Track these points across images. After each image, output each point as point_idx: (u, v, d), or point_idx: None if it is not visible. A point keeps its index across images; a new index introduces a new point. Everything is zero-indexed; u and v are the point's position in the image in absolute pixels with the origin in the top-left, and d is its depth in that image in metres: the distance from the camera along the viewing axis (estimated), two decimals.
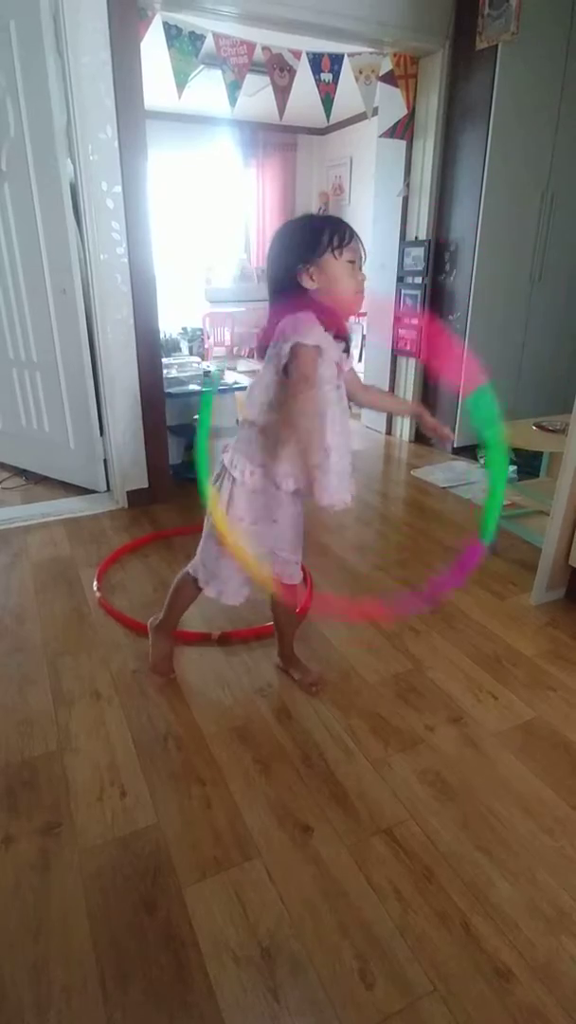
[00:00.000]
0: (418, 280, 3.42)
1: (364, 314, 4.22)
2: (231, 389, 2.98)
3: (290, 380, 1.16)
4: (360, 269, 1.20)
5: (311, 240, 1.15)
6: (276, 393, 1.22)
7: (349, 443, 1.33)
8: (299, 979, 0.96)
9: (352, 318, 5.04)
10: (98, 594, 2.02)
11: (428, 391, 3.63)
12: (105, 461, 2.80)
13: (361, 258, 1.19)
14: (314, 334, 1.15)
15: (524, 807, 1.27)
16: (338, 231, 1.15)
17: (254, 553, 1.39)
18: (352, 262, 1.17)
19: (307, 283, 1.16)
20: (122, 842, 1.19)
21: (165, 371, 2.86)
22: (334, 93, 2.98)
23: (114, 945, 1.01)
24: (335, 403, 1.27)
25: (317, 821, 1.23)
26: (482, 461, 3.34)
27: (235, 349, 5.78)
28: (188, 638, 1.80)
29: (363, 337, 4.24)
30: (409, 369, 3.64)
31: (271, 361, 1.20)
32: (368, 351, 4.00)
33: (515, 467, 2.98)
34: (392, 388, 3.78)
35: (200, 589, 1.46)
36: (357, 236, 1.19)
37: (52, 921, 1.05)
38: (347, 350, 1.29)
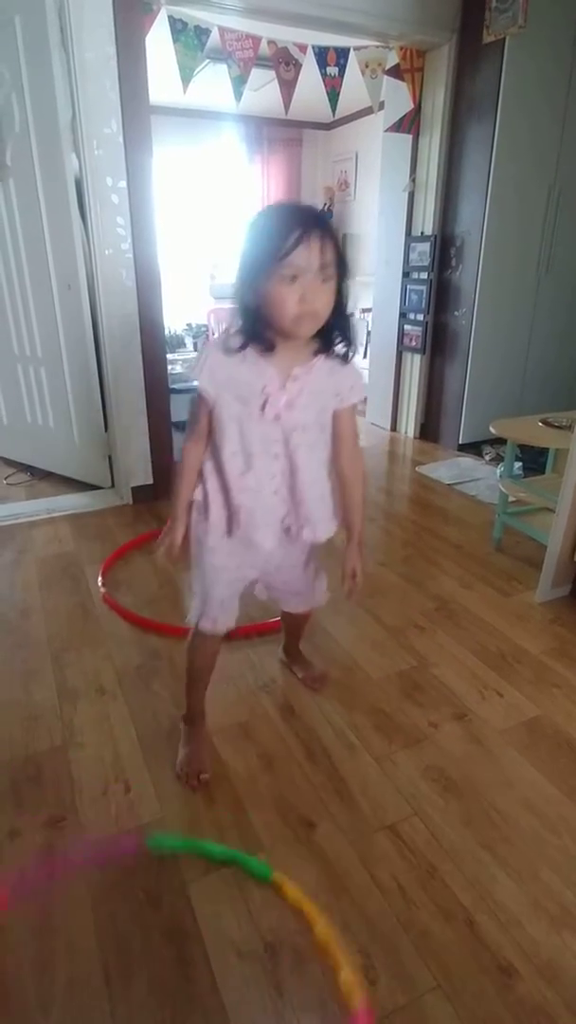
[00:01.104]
0: (424, 276, 3.40)
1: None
2: None
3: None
4: (324, 280, 0.97)
5: (250, 254, 0.98)
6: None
7: (278, 482, 1.14)
8: (302, 974, 0.96)
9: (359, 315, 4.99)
10: (102, 590, 2.03)
11: (433, 387, 3.62)
12: (110, 457, 2.80)
13: (319, 265, 0.95)
14: (202, 372, 1.05)
15: (528, 804, 1.27)
16: (275, 241, 0.93)
17: (237, 570, 1.25)
18: (294, 277, 0.94)
19: (248, 300, 1.01)
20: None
21: (170, 367, 2.86)
22: (340, 87, 2.96)
23: (118, 940, 1.01)
24: (256, 441, 1.09)
25: (320, 817, 1.23)
26: (488, 458, 3.33)
27: None
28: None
29: (368, 333, 4.23)
30: (415, 366, 3.62)
31: None
32: (373, 347, 3.99)
33: (520, 463, 2.96)
34: (397, 384, 3.77)
35: (209, 639, 1.32)
36: (310, 235, 0.93)
37: (56, 915, 1.05)
38: (347, 353, 1.10)
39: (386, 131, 3.36)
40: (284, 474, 1.14)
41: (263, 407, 1.07)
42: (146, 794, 1.28)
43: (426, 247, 3.35)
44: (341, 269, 0.99)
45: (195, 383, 1.08)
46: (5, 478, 3.01)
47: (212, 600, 1.27)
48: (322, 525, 1.21)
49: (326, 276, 0.97)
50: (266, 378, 1.06)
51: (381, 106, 3.18)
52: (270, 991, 0.94)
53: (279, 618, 1.65)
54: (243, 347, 1.04)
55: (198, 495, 1.18)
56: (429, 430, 3.70)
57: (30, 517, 2.60)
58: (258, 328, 1.03)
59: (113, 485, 2.84)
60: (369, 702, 1.55)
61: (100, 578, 2.09)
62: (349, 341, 1.10)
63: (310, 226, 0.94)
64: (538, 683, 1.63)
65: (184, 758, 1.36)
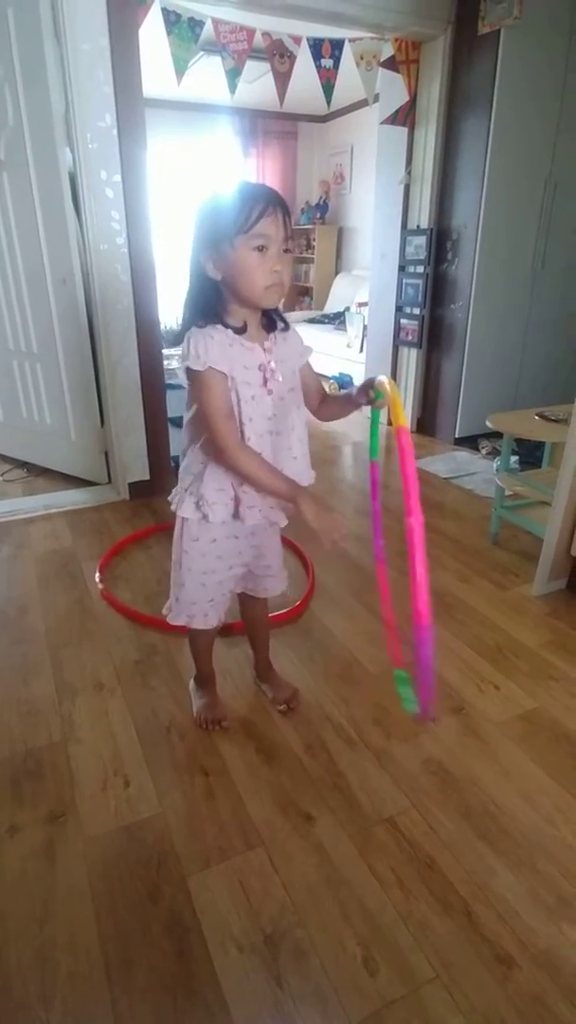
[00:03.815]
0: (420, 269, 3.39)
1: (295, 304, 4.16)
2: None
3: (201, 416, 1.08)
4: (285, 251, 1.00)
5: (211, 223, 0.99)
6: (193, 412, 1.15)
7: (287, 456, 1.19)
8: (302, 966, 0.97)
9: (355, 309, 4.97)
10: (100, 586, 2.03)
11: (429, 381, 3.61)
12: (106, 453, 2.79)
13: (283, 237, 0.99)
14: (209, 352, 1.01)
15: (525, 796, 1.28)
16: (241, 210, 0.96)
17: (228, 569, 1.31)
18: (261, 248, 0.98)
19: (212, 273, 1.02)
20: (126, 831, 1.19)
21: (166, 362, 2.85)
22: (335, 79, 2.95)
23: (119, 933, 1.02)
24: (257, 417, 1.11)
25: (319, 810, 1.24)
26: (484, 452, 3.33)
27: None
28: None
29: (364, 327, 4.22)
30: (411, 360, 3.62)
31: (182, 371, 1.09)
32: (370, 341, 3.99)
33: (517, 457, 2.97)
34: (393, 379, 3.76)
35: (207, 629, 1.37)
36: (275, 208, 0.97)
37: (57, 909, 1.06)
38: (282, 328, 1.13)
39: (382, 124, 3.34)
40: (281, 447, 1.17)
41: (264, 383, 1.09)
42: (145, 789, 1.29)
43: (422, 240, 3.34)
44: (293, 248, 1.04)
45: (197, 370, 1.03)
46: (2, 474, 3.00)
47: (202, 603, 1.32)
48: (306, 476, 1.24)
49: (287, 248, 1.01)
50: (259, 355, 1.08)
51: (376, 98, 3.17)
52: (270, 983, 0.95)
53: (246, 624, 1.56)
54: (240, 330, 1.05)
55: (192, 499, 1.18)
56: (425, 424, 3.70)
57: (27, 513, 2.60)
58: (222, 306, 1.04)
59: (110, 481, 2.84)
60: (367, 696, 1.56)
61: (98, 574, 2.09)
62: (285, 323, 1.15)
63: (273, 200, 0.98)
64: (535, 676, 1.64)
65: (202, 707, 1.47)
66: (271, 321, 1.12)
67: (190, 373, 1.06)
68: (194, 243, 1.03)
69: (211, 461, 1.14)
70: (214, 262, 1.01)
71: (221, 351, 1.03)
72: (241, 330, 1.06)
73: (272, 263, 0.99)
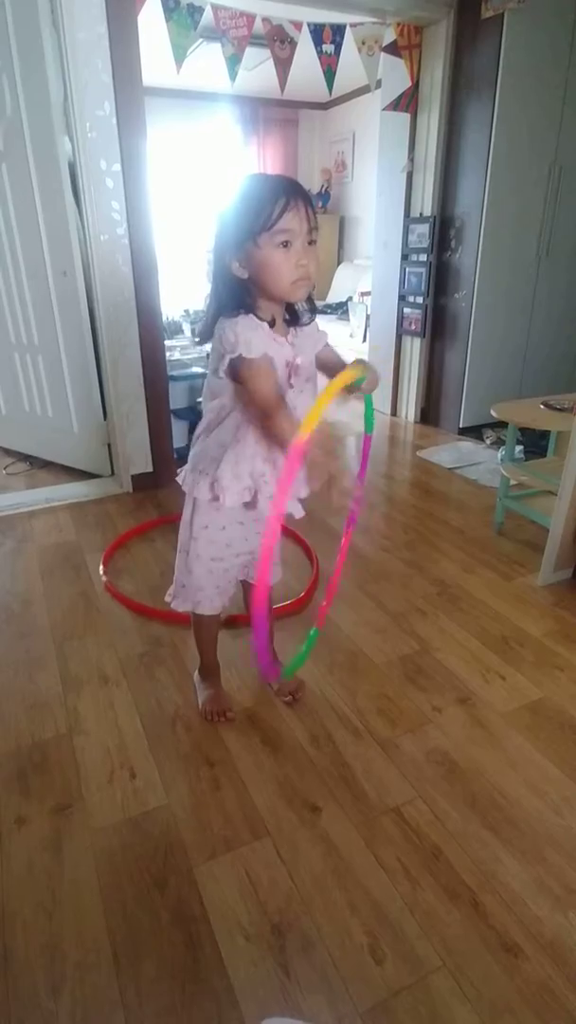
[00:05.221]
0: (423, 258, 3.36)
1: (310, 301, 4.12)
2: None
3: (252, 403, 1.07)
4: (310, 243, 1.00)
5: (234, 224, 0.99)
6: (223, 398, 1.14)
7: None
8: (309, 955, 0.97)
9: (358, 297, 4.95)
10: (104, 578, 2.03)
11: (433, 371, 3.59)
12: (109, 445, 2.79)
13: (307, 229, 0.98)
14: (256, 342, 1.02)
15: (531, 786, 1.28)
16: (263, 207, 0.95)
17: (235, 556, 1.33)
18: (286, 244, 0.97)
19: (239, 272, 1.02)
20: (133, 823, 1.20)
21: (168, 353, 2.84)
22: (336, 65, 2.91)
23: (126, 923, 1.03)
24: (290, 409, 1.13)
25: (325, 801, 1.24)
26: (488, 442, 3.31)
27: None
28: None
29: (367, 317, 4.20)
30: (415, 349, 3.60)
31: (214, 363, 1.09)
32: (373, 331, 3.96)
33: (522, 447, 2.95)
34: (397, 368, 3.74)
35: (214, 617, 1.41)
36: (296, 201, 0.96)
37: (65, 900, 1.06)
38: (303, 320, 1.13)
39: (384, 110, 3.30)
40: None
41: (289, 378, 1.11)
42: (151, 780, 1.29)
43: (425, 229, 3.31)
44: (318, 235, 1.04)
45: (250, 357, 1.03)
46: (4, 468, 3.00)
47: (208, 588, 1.34)
48: None
49: (312, 239, 1.00)
50: (287, 351, 1.09)
51: (378, 84, 3.13)
52: (278, 972, 0.95)
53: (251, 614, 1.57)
54: (270, 324, 1.06)
55: (206, 480, 1.19)
56: (429, 414, 3.69)
57: (30, 507, 2.60)
58: (251, 302, 1.05)
59: (113, 473, 2.83)
60: (372, 687, 1.56)
61: (102, 567, 2.09)
62: (314, 307, 1.15)
63: (294, 192, 0.97)
64: (541, 666, 1.64)
65: (207, 698, 1.47)
66: (294, 315, 1.13)
67: (237, 362, 1.03)
68: (218, 244, 1.03)
69: (233, 447, 1.14)
70: (240, 261, 1.01)
71: (265, 342, 1.05)
72: (271, 324, 1.07)
73: (298, 257, 0.99)
